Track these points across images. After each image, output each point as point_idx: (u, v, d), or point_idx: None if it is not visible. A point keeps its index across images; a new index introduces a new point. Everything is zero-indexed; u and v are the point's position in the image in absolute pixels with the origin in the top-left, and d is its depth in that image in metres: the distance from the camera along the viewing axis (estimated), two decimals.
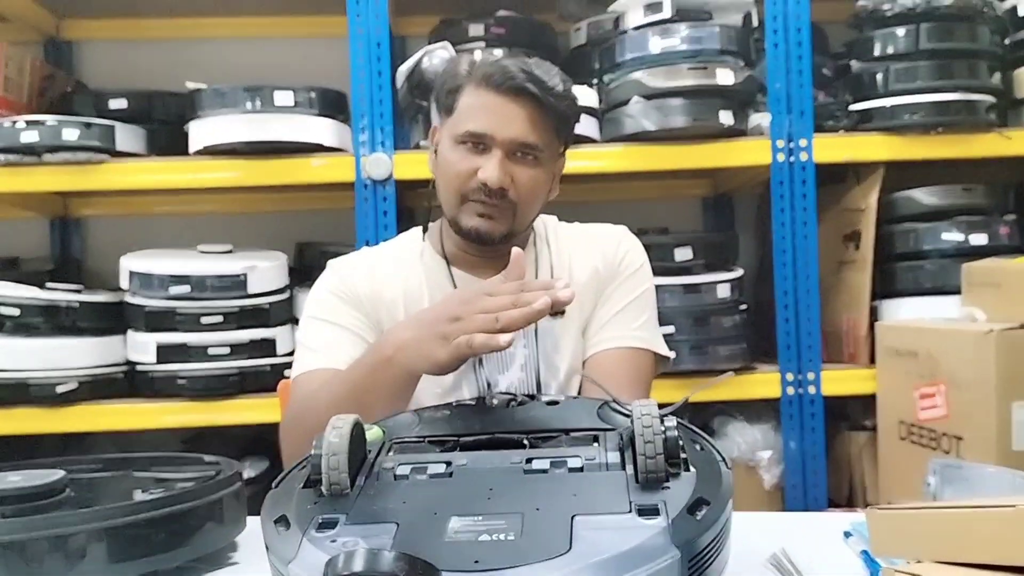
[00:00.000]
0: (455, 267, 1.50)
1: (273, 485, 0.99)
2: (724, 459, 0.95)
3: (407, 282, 1.49)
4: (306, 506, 0.89)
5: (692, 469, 0.89)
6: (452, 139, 1.41)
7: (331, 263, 1.55)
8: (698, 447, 0.97)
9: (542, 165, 1.43)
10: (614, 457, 0.94)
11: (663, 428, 0.88)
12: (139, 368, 2.44)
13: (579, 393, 1.48)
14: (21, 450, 2.39)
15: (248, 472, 2.38)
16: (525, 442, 1.02)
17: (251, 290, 2.42)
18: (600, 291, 1.52)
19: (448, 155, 1.42)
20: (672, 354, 1.58)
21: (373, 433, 1.04)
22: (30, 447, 2.42)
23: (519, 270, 1.25)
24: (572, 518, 0.81)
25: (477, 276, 1.49)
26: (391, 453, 1.01)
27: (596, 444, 0.99)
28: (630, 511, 0.82)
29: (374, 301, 1.47)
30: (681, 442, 0.91)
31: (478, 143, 1.39)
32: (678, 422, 0.93)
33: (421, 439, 1.06)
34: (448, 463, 0.96)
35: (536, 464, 0.94)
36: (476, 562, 0.76)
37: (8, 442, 2.36)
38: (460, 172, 1.40)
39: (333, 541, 0.81)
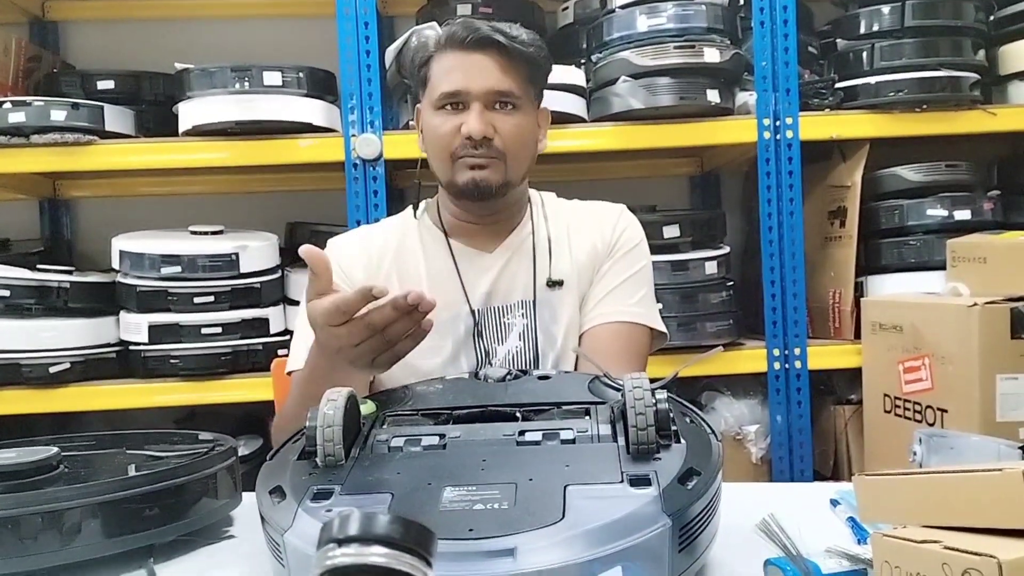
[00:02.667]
0: (453, 239, 1.52)
1: (268, 458, 0.99)
2: (714, 431, 0.96)
3: (403, 258, 1.51)
4: (301, 477, 0.90)
5: (682, 441, 0.90)
6: (432, 107, 1.44)
7: (329, 243, 1.55)
8: (688, 420, 0.98)
9: (521, 111, 1.44)
10: (606, 429, 0.95)
11: (654, 401, 0.89)
12: (132, 348, 2.45)
13: (575, 366, 1.49)
14: (14, 431, 2.38)
15: (241, 450, 2.38)
16: (518, 415, 1.03)
17: (243, 270, 2.42)
18: (597, 266, 1.53)
19: (431, 121, 1.44)
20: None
21: (367, 407, 1.05)
22: (23, 428, 2.41)
23: (325, 274, 1.15)
24: (565, 488, 0.82)
25: (475, 247, 1.50)
26: (385, 426, 1.02)
27: (588, 417, 1.00)
28: (622, 481, 0.83)
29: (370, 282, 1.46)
30: (672, 415, 0.92)
31: (456, 102, 1.41)
32: (668, 395, 0.94)
33: (415, 412, 1.07)
34: (441, 435, 0.97)
35: (529, 436, 0.95)
36: (471, 530, 0.76)
37: (1, 423, 2.37)
38: (444, 134, 1.42)
39: (328, 511, 0.82)
